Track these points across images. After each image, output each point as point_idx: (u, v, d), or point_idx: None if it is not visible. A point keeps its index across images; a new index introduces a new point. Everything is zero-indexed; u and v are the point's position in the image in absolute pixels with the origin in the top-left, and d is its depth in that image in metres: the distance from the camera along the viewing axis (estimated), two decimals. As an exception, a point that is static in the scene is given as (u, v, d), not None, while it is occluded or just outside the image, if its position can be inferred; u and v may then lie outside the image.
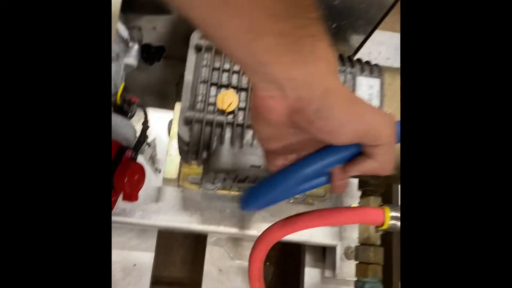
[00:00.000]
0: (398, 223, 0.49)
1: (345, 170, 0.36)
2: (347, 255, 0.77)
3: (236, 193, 0.70)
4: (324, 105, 0.30)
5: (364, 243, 0.59)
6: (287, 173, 0.36)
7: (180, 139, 0.51)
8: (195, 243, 0.94)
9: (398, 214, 0.49)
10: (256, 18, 0.26)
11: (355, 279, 0.71)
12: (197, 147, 0.51)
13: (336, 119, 0.30)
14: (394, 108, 0.54)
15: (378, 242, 0.59)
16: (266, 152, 0.37)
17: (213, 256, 0.78)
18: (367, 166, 0.35)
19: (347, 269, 0.76)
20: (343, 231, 0.76)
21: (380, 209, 0.49)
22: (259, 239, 0.55)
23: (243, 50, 0.28)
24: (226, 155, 0.51)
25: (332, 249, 0.76)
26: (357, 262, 0.60)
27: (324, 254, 0.81)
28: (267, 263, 0.98)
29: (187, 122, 0.50)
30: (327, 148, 0.35)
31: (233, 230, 0.68)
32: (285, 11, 0.27)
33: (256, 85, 0.31)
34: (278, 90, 0.30)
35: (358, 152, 0.35)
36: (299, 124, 0.32)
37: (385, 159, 0.34)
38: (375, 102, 0.55)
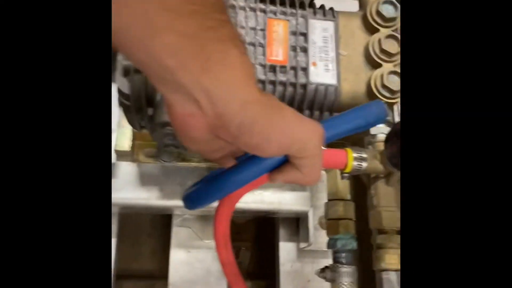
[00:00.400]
0: (363, 164, 0.45)
1: (271, 177, 0.36)
2: (321, 225, 0.73)
3: (197, 164, 0.65)
4: (245, 120, 0.28)
5: (333, 199, 0.55)
6: (221, 180, 0.38)
7: (120, 93, 0.47)
8: (164, 233, 0.88)
9: (363, 155, 0.45)
10: (151, 11, 0.24)
11: (333, 249, 0.67)
12: (139, 102, 0.47)
13: (259, 133, 0.29)
14: (351, 49, 0.51)
15: (348, 197, 0.55)
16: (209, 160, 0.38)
17: (179, 238, 0.73)
18: (292, 176, 0.34)
19: (322, 239, 0.72)
20: (315, 199, 0.72)
21: (342, 150, 0.46)
22: (222, 201, 0.51)
23: (142, 49, 0.25)
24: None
25: (305, 219, 0.72)
26: (327, 219, 0.56)
27: (298, 227, 0.77)
28: (243, 248, 0.93)
29: (126, 72, 0.45)
30: (255, 158, 0.36)
31: (196, 204, 0.64)
32: (185, 7, 0.24)
33: (169, 100, 0.28)
34: (194, 105, 0.28)
35: (285, 160, 0.35)
36: (225, 139, 0.30)
37: (311, 170, 0.34)
38: (331, 45, 0.52)
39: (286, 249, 0.75)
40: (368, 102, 0.46)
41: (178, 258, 0.72)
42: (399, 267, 0.45)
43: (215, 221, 0.52)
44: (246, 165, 0.37)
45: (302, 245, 0.72)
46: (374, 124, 0.40)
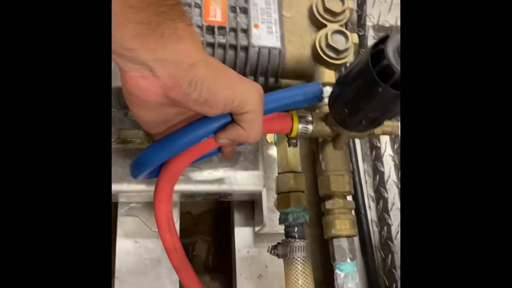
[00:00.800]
0: (309, 127, 0.42)
1: (217, 137, 0.39)
2: (276, 206, 0.70)
3: (139, 146, 0.61)
4: (195, 77, 0.33)
5: (283, 172, 0.52)
6: (169, 139, 0.39)
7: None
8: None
9: (308, 117, 0.43)
10: (116, 11, 0.28)
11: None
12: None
13: (208, 88, 0.33)
14: (294, 11, 0.49)
15: (299, 169, 0.53)
16: (154, 136, 0.41)
17: (126, 228, 0.68)
18: (235, 133, 0.38)
19: (278, 221, 0.69)
20: (269, 181, 0.69)
21: (287, 113, 0.43)
22: (161, 175, 0.47)
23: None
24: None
25: (260, 202, 0.68)
26: (277, 193, 0.53)
27: (253, 211, 0.74)
28: (199, 240, 0.89)
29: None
30: (202, 119, 0.38)
31: (141, 187, 0.59)
32: (143, 2, 0.29)
33: (124, 67, 0.32)
34: (148, 71, 0.32)
35: (229, 121, 0.38)
36: (176, 100, 0.34)
37: (252, 125, 0.37)
38: (273, 7, 0.49)
39: (241, 235, 0.72)
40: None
41: (124, 248, 0.67)
42: (351, 232, 0.42)
43: (155, 200, 0.48)
44: (193, 125, 0.39)
45: (258, 228, 0.69)
46: (310, 101, 0.43)
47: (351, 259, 0.42)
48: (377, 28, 0.82)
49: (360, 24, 0.79)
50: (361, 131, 0.40)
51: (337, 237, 0.42)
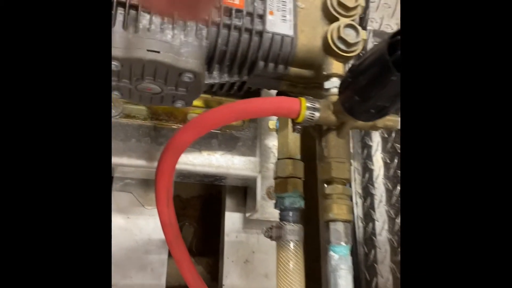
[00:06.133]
0: (316, 114, 0.44)
1: None
2: (269, 195, 0.71)
3: (142, 121, 0.62)
4: None
5: (283, 158, 0.54)
6: None
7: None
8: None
9: (316, 105, 0.44)
10: None
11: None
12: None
13: None
14: (309, 3, 0.50)
15: (298, 156, 0.54)
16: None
17: (119, 204, 0.68)
18: None
19: (270, 209, 0.70)
20: (264, 169, 0.71)
21: (295, 98, 0.45)
22: (167, 145, 0.48)
23: None
24: (117, 39, 0.43)
25: (253, 189, 0.70)
26: (275, 178, 0.54)
27: (245, 198, 0.75)
28: (186, 224, 0.90)
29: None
30: None
31: (140, 162, 0.60)
32: None
33: None
34: None
35: None
36: None
37: None
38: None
39: (231, 219, 0.73)
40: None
41: (116, 224, 0.67)
42: (347, 217, 0.44)
43: (158, 172, 0.49)
44: None
45: (248, 214, 0.71)
46: None
47: (346, 243, 0.43)
48: (378, 33, 0.84)
49: (362, 27, 0.81)
50: (367, 120, 0.42)
51: (334, 220, 0.44)
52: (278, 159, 0.55)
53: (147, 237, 0.68)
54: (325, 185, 0.46)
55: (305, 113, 0.44)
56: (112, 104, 0.59)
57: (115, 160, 0.59)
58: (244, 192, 0.75)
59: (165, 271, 0.67)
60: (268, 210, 0.70)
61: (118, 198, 0.68)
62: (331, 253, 0.43)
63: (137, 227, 0.68)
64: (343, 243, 0.43)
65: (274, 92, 0.60)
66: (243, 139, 0.66)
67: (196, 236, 0.90)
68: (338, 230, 0.44)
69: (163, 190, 0.50)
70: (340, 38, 0.48)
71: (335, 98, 0.47)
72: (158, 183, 0.49)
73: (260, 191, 0.67)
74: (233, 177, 0.66)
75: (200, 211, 0.92)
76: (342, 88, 0.41)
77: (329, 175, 0.45)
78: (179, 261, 0.53)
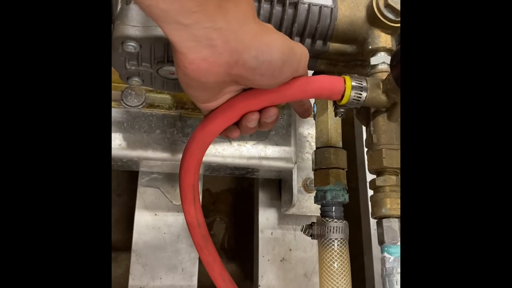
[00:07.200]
0: (363, 94, 0.38)
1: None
2: (305, 187, 0.66)
3: (166, 111, 0.57)
4: (260, 48, 0.32)
5: (322, 146, 0.48)
6: None
7: None
8: (129, 200, 0.80)
9: (362, 83, 0.38)
10: None
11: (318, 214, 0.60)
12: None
13: (275, 58, 0.32)
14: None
15: (340, 144, 0.48)
16: (204, 111, 0.39)
17: (146, 199, 0.64)
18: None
19: (308, 203, 0.65)
20: (299, 159, 0.65)
21: (339, 77, 0.39)
22: (192, 139, 0.43)
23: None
24: (134, 17, 0.38)
25: (288, 182, 0.65)
26: (315, 169, 0.48)
27: (280, 192, 0.70)
28: (217, 219, 0.85)
29: None
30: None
31: (165, 155, 0.55)
32: None
33: (182, 48, 0.30)
34: (207, 49, 0.30)
35: None
36: (240, 76, 0.33)
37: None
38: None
39: (265, 215, 0.68)
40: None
41: (143, 221, 0.63)
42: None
43: (182, 167, 0.44)
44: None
45: (284, 208, 0.65)
46: None
47: (402, 242, 0.37)
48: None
49: None
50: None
51: (388, 217, 0.38)
52: (317, 148, 0.49)
53: (176, 235, 0.64)
54: (376, 176, 0.40)
55: (351, 94, 0.38)
56: (133, 92, 0.55)
57: (139, 153, 0.55)
58: (277, 185, 0.69)
59: (196, 271, 0.63)
60: (305, 204, 0.64)
61: (144, 193, 0.64)
62: (386, 254, 0.37)
63: (165, 224, 0.64)
64: (399, 243, 0.37)
65: (310, 72, 0.54)
66: (276, 127, 0.60)
67: (228, 232, 0.86)
68: (392, 228, 0.38)
69: (189, 188, 0.45)
70: (388, 5, 0.41)
71: (384, 75, 0.40)
72: (182, 180, 0.44)
73: (296, 184, 0.61)
74: (266, 169, 0.61)
75: (231, 205, 0.87)
76: (395, 62, 0.35)
77: (380, 165, 0.39)
78: (209, 265, 0.48)
